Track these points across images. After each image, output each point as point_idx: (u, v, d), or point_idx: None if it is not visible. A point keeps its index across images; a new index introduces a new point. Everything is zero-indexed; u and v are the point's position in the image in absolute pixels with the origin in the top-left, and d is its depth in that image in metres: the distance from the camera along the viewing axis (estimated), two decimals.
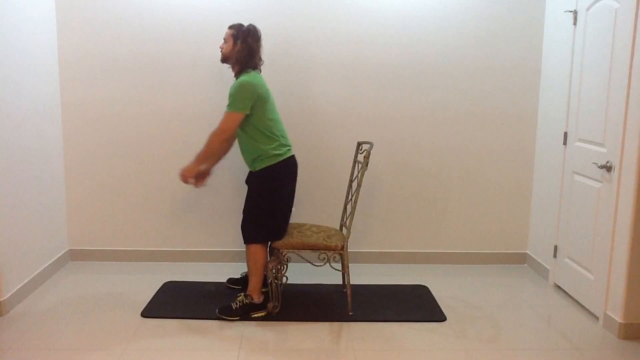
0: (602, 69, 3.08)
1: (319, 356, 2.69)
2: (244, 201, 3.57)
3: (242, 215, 3.16)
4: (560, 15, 3.58)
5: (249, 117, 2.98)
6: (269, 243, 3.17)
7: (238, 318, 3.04)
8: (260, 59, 3.11)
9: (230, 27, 3.10)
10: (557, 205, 3.59)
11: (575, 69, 3.39)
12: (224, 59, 3.13)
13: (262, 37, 3.10)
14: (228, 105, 2.95)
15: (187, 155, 3.80)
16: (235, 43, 3.05)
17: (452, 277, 3.79)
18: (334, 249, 3.08)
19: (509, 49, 3.81)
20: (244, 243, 3.08)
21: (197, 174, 3.11)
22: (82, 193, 3.89)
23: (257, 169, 3.06)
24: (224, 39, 3.12)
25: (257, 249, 3.07)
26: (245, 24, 3.10)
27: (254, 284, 3.10)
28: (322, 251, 3.08)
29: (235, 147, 3.22)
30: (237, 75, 3.06)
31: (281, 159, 3.05)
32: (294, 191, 3.18)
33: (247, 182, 3.21)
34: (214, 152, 3.08)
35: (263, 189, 3.07)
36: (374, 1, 3.72)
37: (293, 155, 3.14)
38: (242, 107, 2.93)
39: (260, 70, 3.14)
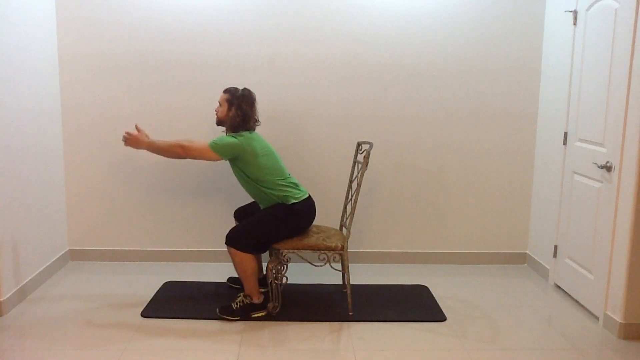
0: (602, 69, 3.08)
1: (319, 356, 2.68)
2: (244, 201, 3.59)
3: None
4: (560, 15, 3.58)
5: (245, 170, 3.06)
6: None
7: (239, 318, 3.04)
8: (255, 121, 3.18)
9: (225, 92, 3.17)
10: (557, 205, 3.59)
11: (575, 69, 3.39)
12: (219, 123, 3.20)
13: (256, 100, 3.18)
14: (212, 141, 3.02)
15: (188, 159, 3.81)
16: (229, 108, 3.12)
17: (452, 277, 3.79)
18: (334, 249, 3.07)
19: (509, 49, 3.81)
20: (226, 243, 3.05)
21: (139, 145, 3.07)
22: (82, 193, 3.89)
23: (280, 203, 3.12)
24: (219, 102, 3.19)
25: (245, 258, 3.04)
26: (243, 85, 3.19)
27: (248, 288, 3.10)
28: (322, 251, 3.07)
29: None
30: (227, 134, 3.15)
31: (300, 199, 3.11)
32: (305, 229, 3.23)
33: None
34: (164, 154, 3.10)
35: (273, 217, 3.08)
36: (374, 1, 3.72)
37: (310, 197, 3.20)
38: (222, 152, 3.01)
39: (255, 130, 3.20)
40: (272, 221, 3.06)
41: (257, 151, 3.06)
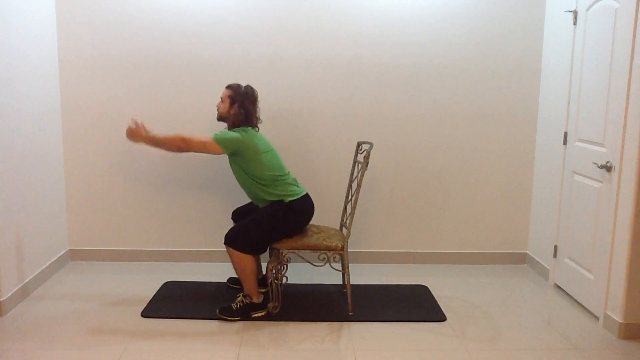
0: (602, 69, 3.08)
1: (319, 356, 2.69)
2: (243, 201, 3.59)
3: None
4: (560, 15, 3.58)
5: (245, 167, 3.06)
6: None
7: (239, 318, 3.05)
8: (257, 119, 3.17)
9: (228, 87, 3.16)
10: (557, 205, 3.59)
11: (575, 69, 3.39)
12: (220, 118, 3.20)
13: (258, 97, 3.17)
14: (215, 134, 3.02)
15: (188, 155, 3.81)
16: (232, 105, 3.12)
17: (452, 277, 3.79)
18: (334, 249, 3.07)
19: (509, 49, 3.81)
20: (224, 243, 3.05)
21: (138, 139, 3.04)
22: (82, 193, 3.89)
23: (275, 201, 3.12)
24: (221, 98, 3.18)
25: (243, 258, 3.04)
26: (243, 84, 3.17)
27: (248, 287, 3.10)
28: (322, 251, 3.07)
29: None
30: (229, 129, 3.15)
31: (297, 197, 3.10)
32: (303, 227, 3.22)
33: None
34: (165, 147, 3.06)
35: (271, 217, 3.08)
36: (374, 1, 3.72)
37: (307, 194, 3.19)
38: (225, 145, 3.00)
39: (258, 128, 3.19)
40: (270, 220, 3.06)
41: (258, 147, 3.06)
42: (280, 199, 3.09)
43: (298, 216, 3.12)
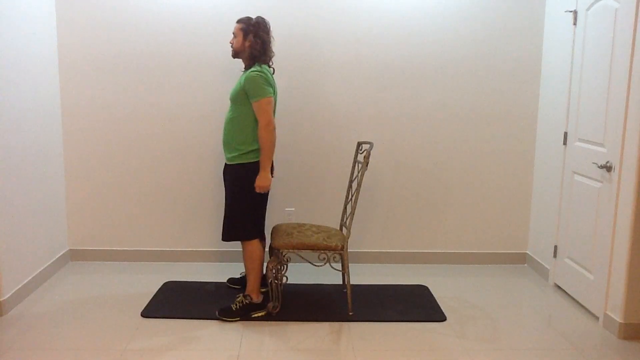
0: (602, 69, 3.08)
1: (319, 356, 2.69)
2: None
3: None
4: (560, 15, 3.58)
5: (249, 105, 2.96)
6: (269, 243, 3.17)
7: (239, 319, 3.05)
8: (272, 51, 3.08)
9: (239, 21, 3.07)
10: (557, 205, 3.59)
11: (575, 69, 3.39)
12: (235, 54, 3.10)
13: (271, 28, 3.08)
14: (253, 97, 2.92)
15: (188, 155, 3.81)
16: (245, 37, 3.03)
17: (452, 277, 3.79)
18: (334, 249, 3.07)
19: (509, 49, 3.81)
20: (223, 240, 3.07)
21: (266, 183, 3.01)
22: (82, 193, 3.89)
23: (231, 163, 3.05)
24: (233, 33, 3.09)
25: (253, 247, 3.06)
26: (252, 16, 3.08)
27: (252, 283, 3.10)
28: (322, 251, 3.08)
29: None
30: (247, 69, 3.05)
31: (255, 159, 3.02)
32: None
33: (224, 176, 3.21)
34: (270, 145, 2.97)
35: (239, 188, 3.04)
36: (374, 1, 3.72)
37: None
38: (267, 92, 2.92)
39: (272, 67, 3.10)
40: (240, 191, 3.02)
41: (274, 88, 3.02)
42: (240, 161, 3.00)
43: (256, 173, 3.02)
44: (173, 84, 3.77)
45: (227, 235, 3.08)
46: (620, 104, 2.89)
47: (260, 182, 2.99)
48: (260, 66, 2.99)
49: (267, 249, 3.31)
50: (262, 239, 3.24)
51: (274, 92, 3.04)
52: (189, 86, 3.78)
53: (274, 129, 2.97)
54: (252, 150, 3.01)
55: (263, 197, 3.10)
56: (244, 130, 3.00)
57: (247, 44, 3.02)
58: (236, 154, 3.02)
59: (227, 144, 3.07)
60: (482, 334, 2.94)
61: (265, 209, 3.25)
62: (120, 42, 3.72)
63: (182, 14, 3.69)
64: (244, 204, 3.04)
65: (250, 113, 2.98)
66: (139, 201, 3.91)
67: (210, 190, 3.91)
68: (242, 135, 3.00)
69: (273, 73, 3.11)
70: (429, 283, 3.64)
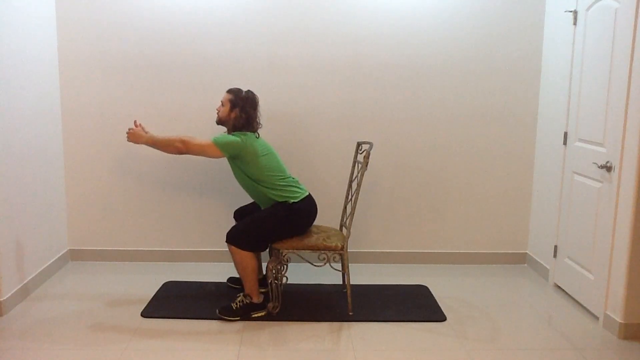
0: (602, 69, 3.08)
1: (319, 356, 2.69)
2: (244, 201, 3.59)
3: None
4: (560, 15, 3.58)
5: (245, 169, 3.07)
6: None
7: (239, 318, 3.05)
8: (258, 123, 3.17)
9: (229, 91, 3.16)
10: (557, 205, 3.59)
11: (575, 69, 3.39)
12: (220, 122, 3.19)
13: (259, 103, 3.17)
14: (215, 137, 3.03)
15: (187, 155, 3.80)
16: (232, 109, 3.12)
17: (452, 277, 3.79)
18: (334, 249, 3.07)
19: (509, 49, 3.81)
20: (226, 241, 3.06)
21: (139, 140, 3.10)
22: (82, 193, 3.89)
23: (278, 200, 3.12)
24: (221, 102, 3.17)
25: (245, 256, 3.05)
26: (243, 89, 3.17)
27: (249, 287, 3.10)
28: (322, 251, 3.07)
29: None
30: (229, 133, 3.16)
31: (300, 198, 3.11)
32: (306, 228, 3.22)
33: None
34: (164, 149, 3.09)
35: (276, 217, 3.08)
36: (374, 1, 3.72)
37: (310, 195, 3.20)
38: (224, 149, 3.01)
39: (259, 134, 3.17)
40: (272, 220, 3.07)
41: (258, 151, 3.06)
42: (285, 200, 3.09)
43: (301, 217, 3.12)
44: (173, 84, 3.77)
45: (231, 238, 3.07)
46: (620, 104, 2.89)
47: (134, 134, 3.07)
48: (244, 134, 3.07)
49: (267, 250, 3.31)
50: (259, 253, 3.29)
51: (264, 149, 3.11)
52: (189, 86, 3.78)
53: (181, 153, 3.06)
54: (286, 196, 3.08)
55: (285, 234, 3.10)
56: (263, 183, 3.08)
57: (232, 115, 3.12)
58: (279, 199, 3.09)
59: (261, 201, 3.18)
60: (482, 334, 2.94)
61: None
62: (120, 42, 3.72)
63: (182, 14, 3.69)
64: (269, 228, 3.07)
65: (250, 167, 3.06)
66: (139, 201, 3.91)
67: (210, 190, 3.91)
68: (267, 188, 3.08)
69: (257, 135, 3.17)
70: (429, 283, 3.64)
